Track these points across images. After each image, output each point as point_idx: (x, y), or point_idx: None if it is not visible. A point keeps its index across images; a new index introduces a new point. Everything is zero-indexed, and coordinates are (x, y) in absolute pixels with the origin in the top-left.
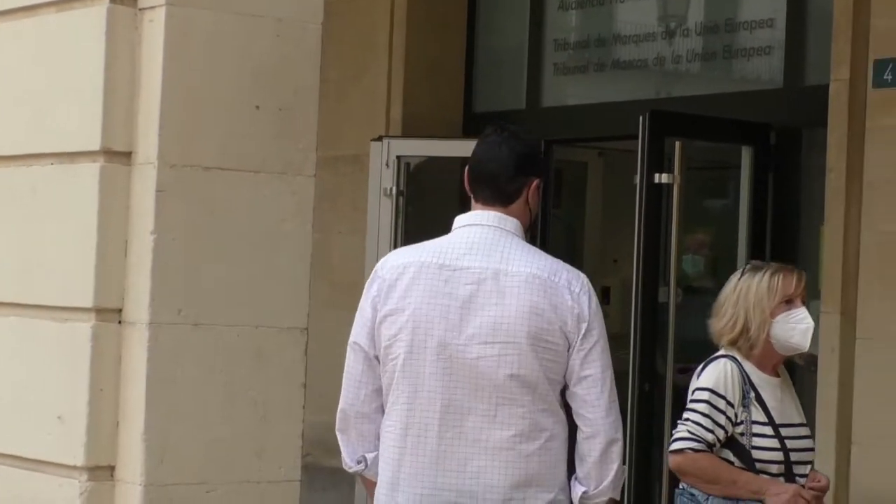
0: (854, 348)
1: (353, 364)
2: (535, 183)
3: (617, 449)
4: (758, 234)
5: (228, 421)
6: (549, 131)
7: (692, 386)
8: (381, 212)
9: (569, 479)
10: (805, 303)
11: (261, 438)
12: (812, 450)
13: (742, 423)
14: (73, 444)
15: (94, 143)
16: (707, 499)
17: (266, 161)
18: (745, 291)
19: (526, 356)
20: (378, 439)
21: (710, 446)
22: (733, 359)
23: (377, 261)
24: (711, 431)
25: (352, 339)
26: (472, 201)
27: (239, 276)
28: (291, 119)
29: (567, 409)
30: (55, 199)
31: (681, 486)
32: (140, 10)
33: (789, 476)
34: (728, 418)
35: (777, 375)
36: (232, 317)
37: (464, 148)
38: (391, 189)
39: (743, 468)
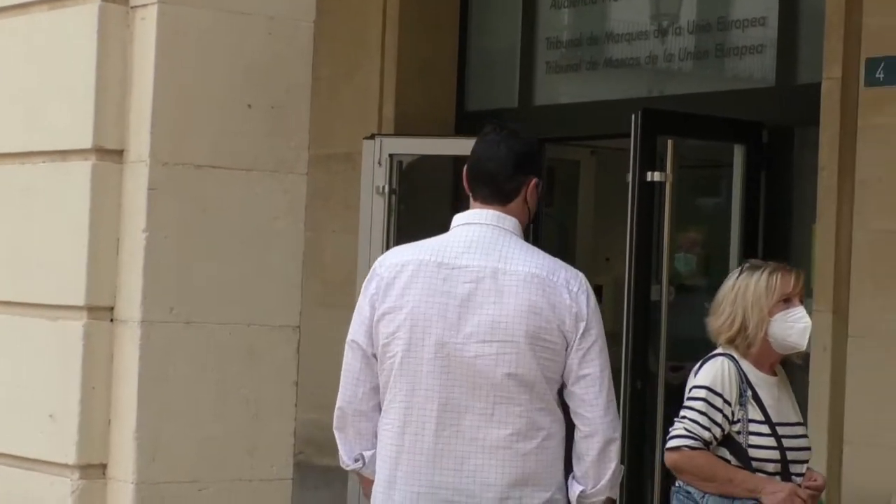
0: (846, 347)
1: (350, 362)
2: (533, 182)
3: (615, 448)
4: (750, 233)
5: (220, 419)
6: (542, 130)
7: (689, 384)
8: (374, 210)
9: (566, 478)
10: (803, 302)
11: (253, 437)
12: (808, 449)
13: (739, 421)
14: (64, 443)
15: (86, 142)
16: (703, 497)
17: (258, 159)
18: (744, 290)
19: (524, 355)
20: (375, 437)
21: (707, 444)
22: (731, 357)
23: (369, 259)
24: (708, 429)
25: (350, 336)
26: (471, 200)
27: (231, 275)
28: (283, 117)
29: (564, 407)
30: (47, 198)
31: (677, 484)
32: (132, 7)
33: (786, 475)
34: (725, 416)
35: (774, 374)
36: (224, 315)
37: (456, 146)
38: (384, 187)
39: (739, 466)
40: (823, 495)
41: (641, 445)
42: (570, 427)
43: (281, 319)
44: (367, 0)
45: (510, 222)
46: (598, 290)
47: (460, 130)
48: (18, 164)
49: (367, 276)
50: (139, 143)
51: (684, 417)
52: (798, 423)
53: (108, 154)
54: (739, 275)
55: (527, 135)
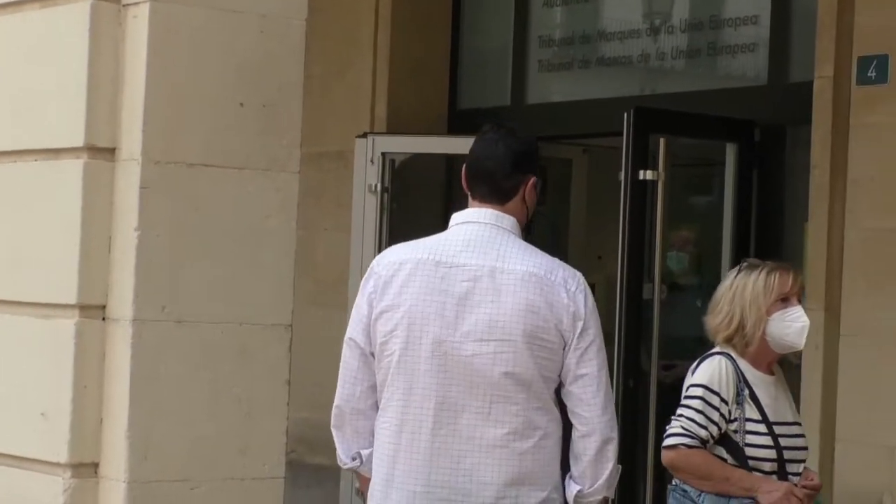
0: (838, 345)
1: (348, 360)
2: (531, 180)
3: (612, 448)
4: (742, 231)
5: (212, 418)
6: (534, 128)
7: (686, 382)
8: (366, 208)
9: (563, 478)
10: (801, 301)
11: (245, 435)
12: (805, 448)
13: (736, 420)
14: (56, 441)
15: (78, 140)
16: (699, 495)
17: (250, 157)
18: (742, 289)
19: (521, 354)
20: (373, 435)
21: (704, 443)
22: (728, 356)
23: (362, 257)
24: (705, 428)
25: (348, 335)
26: (469, 199)
27: (223, 273)
28: (275, 115)
29: (562, 407)
30: (39, 196)
31: (673, 483)
32: (124, 6)
33: (782, 474)
34: (722, 415)
35: (772, 374)
36: (216, 313)
37: (449, 145)
38: (376, 186)
39: (736, 465)
40: (820, 495)
41: (634, 444)
42: (567, 426)
43: (273, 318)
44: None
45: (508, 221)
46: (590, 289)
47: (453, 129)
48: (10, 162)
49: (365, 275)
50: (131, 141)
51: (681, 416)
52: (795, 423)
53: (100, 152)
54: (737, 274)
55: (525, 134)
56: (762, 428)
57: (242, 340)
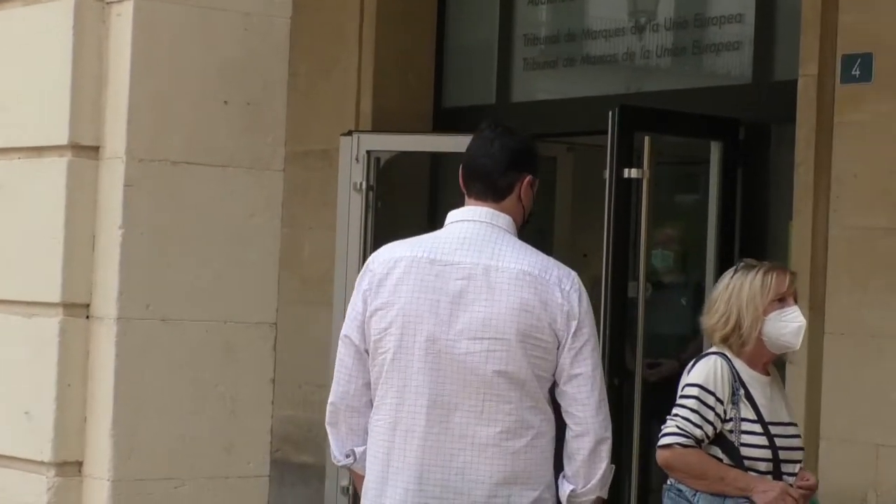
0: (822, 343)
1: (343, 357)
2: (527, 179)
3: (606, 447)
4: (727, 229)
5: (197, 416)
6: (519, 126)
7: (682, 382)
8: (351, 207)
9: (556, 477)
10: (797, 302)
11: (230, 434)
12: (801, 449)
13: (731, 420)
14: (40, 440)
15: (62, 138)
16: (695, 495)
17: (234, 156)
18: (738, 289)
19: (514, 352)
20: (367, 433)
21: (699, 442)
22: (724, 356)
23: (347, 256)
24: (700, 427)
25: (343, 332)
26: (466, 197)
27: (207, 271)
28: (260, 113)
29: (555, 406)
30: (22, 194)
31: (669, 482)
32: (108, 3)
33: (777, 474)
34: (717, 415)
35: (767, 374)
36: (200, 312)
37: (434, 143)
38: (361, 184)
39: (731, 465)
40: (816, 495)
41: (618, 442)
42: (560, 426)
43: (258, 316)
44: None
45: (504, 220)
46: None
47: (438, 127)
48: None
49: (361, 272)
50: (115, 139)
51: (676, 415)
52: (790, 423)
53: (84, 150)
54: (734, 274)
55: (523, 132)
56: (757, 428)
57: (227, 338)
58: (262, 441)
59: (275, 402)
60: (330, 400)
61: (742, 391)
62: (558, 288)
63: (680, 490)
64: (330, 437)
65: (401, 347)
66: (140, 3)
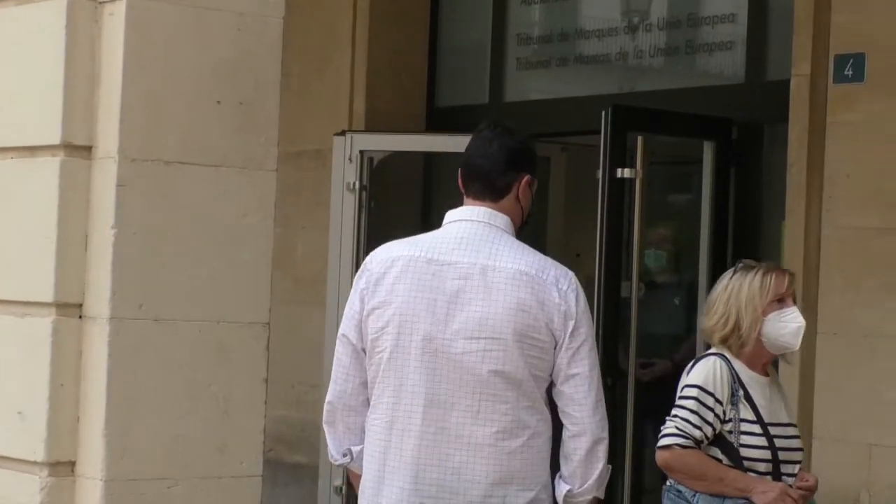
0: (815, 343)
1: (341, 357)
2: (525, 179)
3: (603, 448)
4: (720, 229)
5: (190, 416)
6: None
7: (681, 383)
8: (344, 207)
9: (552, 478)
10: (796, 302)
11: (223, 433)
12: (800, 450)
13: (730, 420)
14: (33, 440)
15: (55, 137)
16: (694, 495)
17: (227, 155)
18: (737, 290)
19: (511, 352)
20: (364, 432)
21: (698, 443)
22: (723, 357)
23: (340, 256)
24: (699, 428)
25: (340, 331)
26: (465, 197)
27: (200, 271)
28: (253, 113)
29: (551, 406)
30: (15, 194)
31: (668, 483)
32: (100, 3)
33: (777, 475)
34: (716, 415)
35: (766, 375)
36: (193, 312)
37: (427, 143)
38: (354, 184)
39: (731, 466)
40: (815, 496)
41: (612, 442)
42: (557, 426)
43: (251, 316)
44: None
45: (501, 220)
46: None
47: (431, 127)
48: None
49: (359, 271)
50: (108, 138)
51: (675, 416)
52: (790, 424)
53: (77, 150)
54: (733, 274)
55: (522, 133)
56: (757, 429)
57: (220, 338)
58: (255, 441)
59: (268, 402)
60: (327, 399)
61: (741, 392)
62: (555, 288)
63: (679, 491)
64: (327, 436)
65: (397, 346)
66: (132, 3)
